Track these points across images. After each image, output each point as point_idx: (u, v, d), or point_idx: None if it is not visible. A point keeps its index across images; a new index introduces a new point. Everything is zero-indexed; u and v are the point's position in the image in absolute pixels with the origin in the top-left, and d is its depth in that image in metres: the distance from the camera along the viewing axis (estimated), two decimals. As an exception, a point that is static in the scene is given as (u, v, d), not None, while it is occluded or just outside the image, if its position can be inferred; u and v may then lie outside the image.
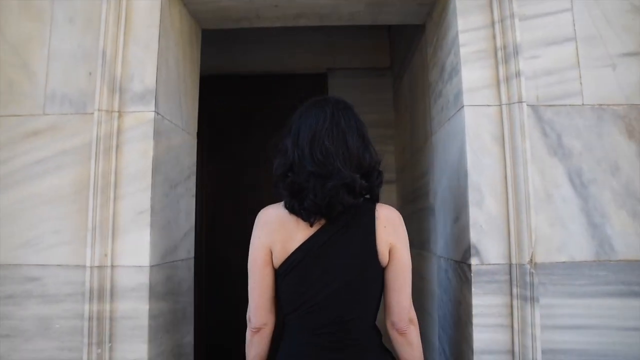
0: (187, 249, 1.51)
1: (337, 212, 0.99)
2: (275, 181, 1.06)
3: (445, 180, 1.42)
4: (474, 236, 1.18)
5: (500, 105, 1.22)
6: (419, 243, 1.94)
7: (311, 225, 1.00)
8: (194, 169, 1.61)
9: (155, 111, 1.25)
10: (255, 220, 1.06)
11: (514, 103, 1.21)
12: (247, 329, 1.07)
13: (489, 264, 1.17)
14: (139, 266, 1.19)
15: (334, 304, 1.00)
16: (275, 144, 1.09)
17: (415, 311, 1.08)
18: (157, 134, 1.27)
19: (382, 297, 1.07)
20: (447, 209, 1.40)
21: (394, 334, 1.06)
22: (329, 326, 1.00)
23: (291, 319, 1.04)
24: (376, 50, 2.78)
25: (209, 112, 2.77)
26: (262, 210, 1.07)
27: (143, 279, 1.19)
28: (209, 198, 2.68)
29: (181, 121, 1.48)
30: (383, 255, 1.04)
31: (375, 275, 1.04)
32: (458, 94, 1.28)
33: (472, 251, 1.18)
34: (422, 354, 1.08)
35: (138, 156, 1.23)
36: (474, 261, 1.18)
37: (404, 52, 2.29)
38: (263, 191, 2.67)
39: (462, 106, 1.24)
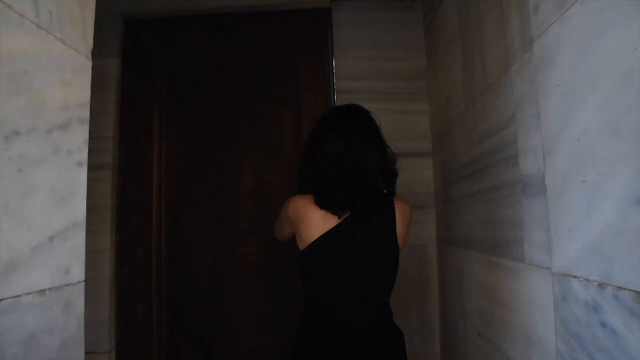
0: (58, 268, 0.76)
1: (362, 206, 1.19)
2: (302, 181, 1.26)
3: (590, 112, 0.66)
4: None
5: None
6: (486, 244, 1.18)
7: (339, 218, 1.19)
8: (85, 113, 0.86)
9: None
10: (285, 206, 1.28)
11: None
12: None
13: None
14: None
15: (357, 283, 1.18)
16: (305, 151, 1.29)
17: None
18: None
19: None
20: (603, 174, 0.64)
21: None
22: (350, 304, 1.17)
23: (314, 298, 1.23)
24: (399, -28, 2.00)
25: (170, 67, 2.02)
26: (292, 199, 1.25)
27: None
28: (171, 182, 1.93)
29: (33, 7, 0.72)
30: (401, 242, 1.24)
31: (394, 259, 1.24)
32: None
33: None
34: None
35: None
36: None
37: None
38: (245, 173, 1.92)
39: None
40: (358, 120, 1.25)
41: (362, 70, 1.94)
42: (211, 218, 1.88)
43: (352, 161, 1.18)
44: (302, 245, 1.20)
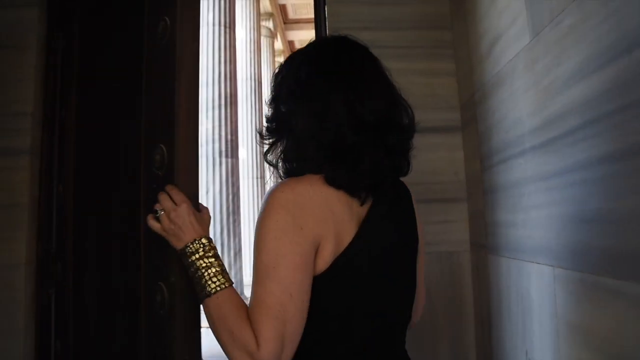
0: None
1: (387, 186, 0.73)
2: (298, 147, 0.73)
3: None
4: None
5: None
6: (587, 258, 0.68)
7: (362, 204, 0.70)
8: None
9: None
10: (277, 203, 0.66)
11: None
12: None
13: None
14: None
15: (389, 309, 0.73)
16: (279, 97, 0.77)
17: None
18: None
19: None
20: None
21: None
22: (377, 337, 0.72)
23: (326, 337, 0.69)
24: None
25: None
26: (286, 187, 0.68)
27: None
28: (77, 161, 1.41)
29: None
30: (419, 243, 0.81)
31: (415, 269, 0.79)
32: None
33: None
34: None
35: None
36: None
37: None
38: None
39: None
40: (364, 49, 0.78)
41: (363, 18, 1.45)
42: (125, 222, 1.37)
43: (377, 93, 0.72)
44: (325, 261, 0.68)
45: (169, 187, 0.75)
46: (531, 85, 0.89)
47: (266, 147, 0.78)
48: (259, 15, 8.00)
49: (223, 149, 5.46)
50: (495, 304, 1.15)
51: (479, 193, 1.25)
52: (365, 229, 0.69)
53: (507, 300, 1.07)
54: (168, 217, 0.71)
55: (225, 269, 0.69)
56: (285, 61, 0.79)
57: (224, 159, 5.49)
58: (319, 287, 0.67)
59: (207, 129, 5.37)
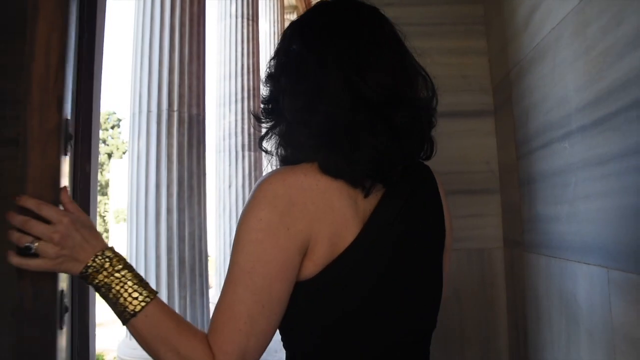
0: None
1: (400, 171, 0.60)
2: (291, 131, 0.63)
3: None
4: None
5: None
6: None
7: (366, 195, 0.59)
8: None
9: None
10: (263, 197, 0.57)
11: None
12: None
13: None
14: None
15: (404, 319, 0.61)
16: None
17: None
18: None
19: None
20: None
21: None
22: (387, 351, 0.61)
23: (321, 352, 0.60)
24: None
25: None
26: (276, 178, 0.58)
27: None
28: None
29: None
30: (448, 239, 0.69)
31: (441, 269, 0.67)
32: None
33: None
34: None
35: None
36: None
37: None
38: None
39: None
40: (375, 20, 0.64)
41: (386, -7, 1.33)
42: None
43: (386, 62, 0.61)
44: (316, 264, 0.59)
45: (30, 203, 0.54)
46: (581, 54, 0.75)
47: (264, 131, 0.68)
48: (282, 8, 7.92)
49: (246, 142, 5.40)
50: (532, 308, 1.02)
51: (514, 184, 1.11)
52: (371, 226, 0.59)
53: (546, 304, 0.94)
54: (53, 243, 0.53)
55: (142, 277, 0.57)
56: (284, 32, 0.69)
57: (246, 153, 5.43)
58: (308, 294, 0.57)
59: (229, 122, 5.34)
